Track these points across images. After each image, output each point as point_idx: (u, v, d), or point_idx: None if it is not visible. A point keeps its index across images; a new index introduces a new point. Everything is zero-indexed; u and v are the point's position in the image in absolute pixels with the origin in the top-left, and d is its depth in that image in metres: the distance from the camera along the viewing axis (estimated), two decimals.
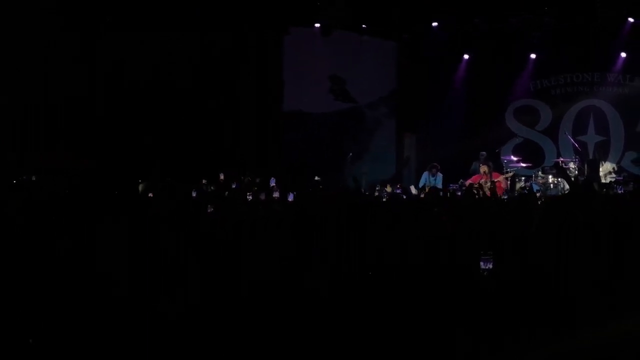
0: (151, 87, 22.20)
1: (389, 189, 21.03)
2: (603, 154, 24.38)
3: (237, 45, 23.44)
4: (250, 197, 15.48)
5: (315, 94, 25.47)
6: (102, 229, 8.66)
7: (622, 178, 22.28)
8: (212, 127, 23.27)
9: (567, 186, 17.00)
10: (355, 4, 22.95)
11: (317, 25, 24.30)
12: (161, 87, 22.31)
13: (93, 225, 8.86)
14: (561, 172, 20.95)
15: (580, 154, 23.55)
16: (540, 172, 22.84)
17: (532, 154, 24.72)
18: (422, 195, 19.29)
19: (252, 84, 23.95)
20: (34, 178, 18.13)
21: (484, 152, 23.40)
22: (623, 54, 24.40)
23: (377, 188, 20.62)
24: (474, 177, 22.33)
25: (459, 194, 18.13)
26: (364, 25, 24.51)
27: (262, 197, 15.82)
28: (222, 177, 20.01)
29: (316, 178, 21.68)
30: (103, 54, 21.73)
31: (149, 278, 7.87)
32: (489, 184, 21.16)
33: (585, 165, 23.07)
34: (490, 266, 7.63)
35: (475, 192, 14.07)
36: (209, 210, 11.18)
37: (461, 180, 22.43)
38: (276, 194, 16.02)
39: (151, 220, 9.24)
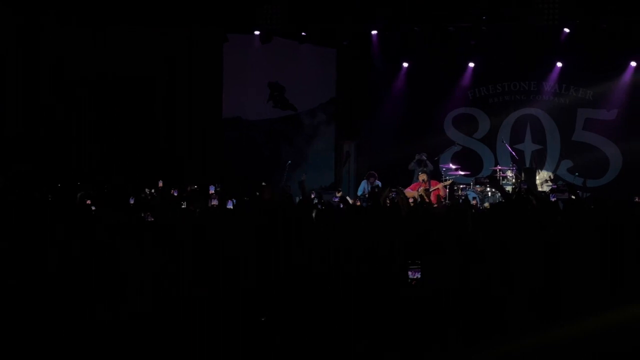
0: (89, 87, 21.97)
1: (338, 194, 21.08)
2: (539, 163, 24.65)
3: (175, 51, 23.29)
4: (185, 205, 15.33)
5: (255, 100, 25.43)
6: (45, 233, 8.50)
7: (557, 186, 22.50)
8: (150, 134, 23.08)
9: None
10: (294, 11, 22.88)
11: (257, 32, 24.23)
12: (98, 88, 22.08)
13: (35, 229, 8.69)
14: (494, 183, 21.10)
15: (517, 163, 23.72)
16: (474, 183, 22.93)
17: (471, 162, 24.85)
18: (358, 203, 19.34)
19: (191, 90, 23.79)
20: None
21: (424, 153, 23.52)
22: (559, 64, 24.66)
23: (312, 195, 20.58)
24: (412, 185, 22.39)
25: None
26: (303, 33, 24.48)
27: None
28: (160, 184, 19.84)
29: (303, 177, 21.78)
30: (43, 50, 21.42)
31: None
32: (423, 192, 21.21)
33: (522, 174, 23.25)
34: (419, 275, 7.61)
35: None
36: (148, 219, 11.02)
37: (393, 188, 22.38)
38: (214, 202, 15.91)
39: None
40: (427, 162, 23.47)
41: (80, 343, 7.06)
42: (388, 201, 15.79)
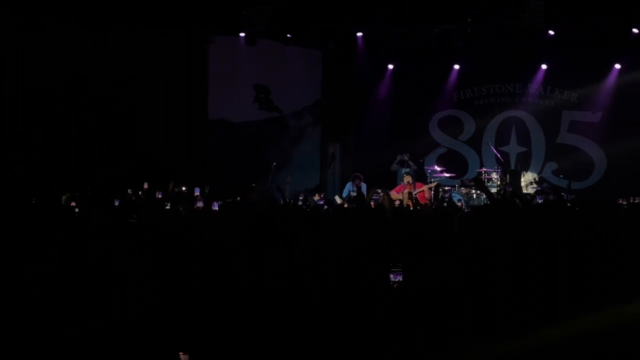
0: (70, 90, 21.92)
1: (317, 197, 21.05)
2: (524, 165, 24.72)
3: (161, 53, 23.24)
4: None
5: (240, 102, 25.41)
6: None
7: (542, 188, 22.57)
8: (135, 136, 23.03)
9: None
10: (280, 13, 22.87)
11: (242, 34, 24.22)
12: (80, 91, 22.03)
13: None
14: (480, 185, 21.13)
15: (503, 165, 23.77)
16: (459, 185, 22.96)
17: (456, 164, 24.90)
18: (345, 205, 19.34)
19: (177, 91, 23.75)
20: None
21: (407, 153, 23.57)
22: (544, 66, 24.76)
23: (300, 197, 20.58)
24: (398, 187, 22.41)
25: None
26: (288, 35, 24.48)
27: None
28: (146, 185, 19.82)
29: (288, 179, 21.76)
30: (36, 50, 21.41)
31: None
32: (408, 195, 21.24)
33: (507, 176, 23.30)
34: (400, 279, 7.61)
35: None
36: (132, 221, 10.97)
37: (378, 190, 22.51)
38: (200, 204, 15.88)
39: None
40: (410, 162, 23.54)
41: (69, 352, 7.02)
42: (372, 203, 15.81)
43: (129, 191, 18.83)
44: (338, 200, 21.15)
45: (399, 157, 23.62)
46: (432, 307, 7.43)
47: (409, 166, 23.36)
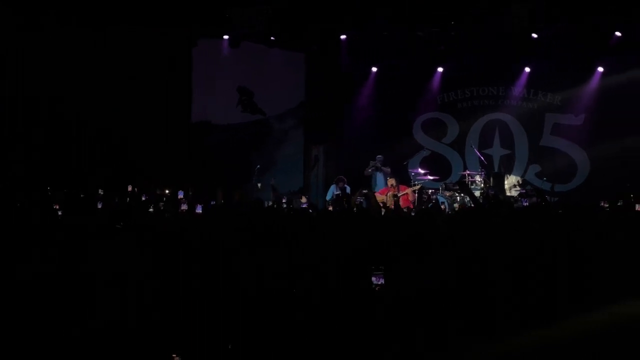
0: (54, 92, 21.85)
1: (303, 199, 21.05)
2: (508, 167, 24.76)
3: (144, 55, 23.17)
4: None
5: (224, 105, 25.41)
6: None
7: (526, 191, 22.62)
8: (118, 138, 22.97)
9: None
10: (263, 15, 22.83)
11: (226, 37, 24.19)
12: (62, 92, 21.96)
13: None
14: (464, 188, 21.16)
15: (486, 167, 23.80)
16: (445, 192, 22.95)
17: (440, 166, 24.89)
18: (330, 208, 19.34)
19: (160, 94, 23.68)
20: None
21: (380, 156, 23.58)
22: (527, 69, 24.80)
23: (283, 200, 20.55)
24: (381, 189, 22.43)
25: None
26: (272, 37, 24.45)
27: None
28: (129, 188, 19.76)
29: (272, 182, 21.70)
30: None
31: None
32: (392, 197, 21.26)
33: (491, 179, 23.33)
34: (382, 282, 7.61)
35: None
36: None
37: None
38: (184, 207, 15.86)
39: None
40: (382, 167, 23.52)
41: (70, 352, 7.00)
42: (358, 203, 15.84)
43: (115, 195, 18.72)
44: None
45: (372, 163, 23.59)
46: (416, 308, 7.44)
47: (382, 171, 23.41)
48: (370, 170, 23.56)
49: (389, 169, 23.50)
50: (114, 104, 22.74)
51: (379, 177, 23.46)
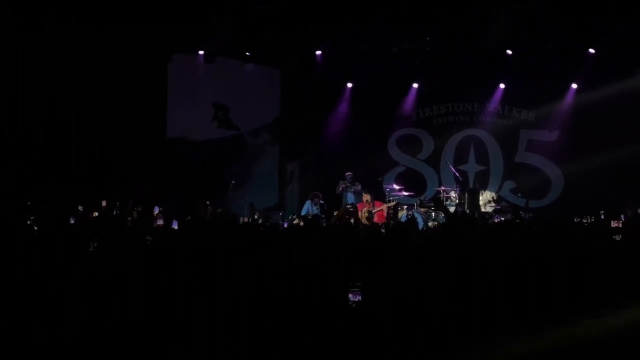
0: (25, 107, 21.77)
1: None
2: (483, 184, 24.80)
3: (119, 70, 23.08)
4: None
5: (199, 120, 25.29)
6: None
7: (501, 207, 22.67)
8: (94, 154, 22.85)
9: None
10: (238, 31, 22.82)
11: (201, 52, 24.15)
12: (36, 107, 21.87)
13: None
14: (439, 205, 21.19)
15: (461, 183, 23.84)
16: (421, 207, 22.96)
17: (415, 182, 24.92)
18: (302, 224, 19.31)
19: (135, 109, 23.57)
20: None
21: (350, 173, 23.56)
22: (502, 85, 24.91)
23: (256, 215, 20.50)
24: (357, 205, 22.39)
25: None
26: (247, 53, 24.43)
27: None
28: (104, 203, 19.64)
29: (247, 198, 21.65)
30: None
31: None
32: (367, 213, 21.27)
33: (466, 195, 23.36)
34: (359, 298, 7.62)
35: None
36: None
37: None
38: (160, 222, 15.81)
39: None
40: (352, 186, 23.49)
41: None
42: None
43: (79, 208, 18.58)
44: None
45: (342, 182, 23.57)
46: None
47: (352, 189, 23.41)
48: (340, 189, 23.50)
49: (359, 187, 23.47)
50: (88, 120, 22.62)
51: (350, 195, 23.44)
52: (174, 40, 23.34)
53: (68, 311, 7.27)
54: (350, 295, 7.60)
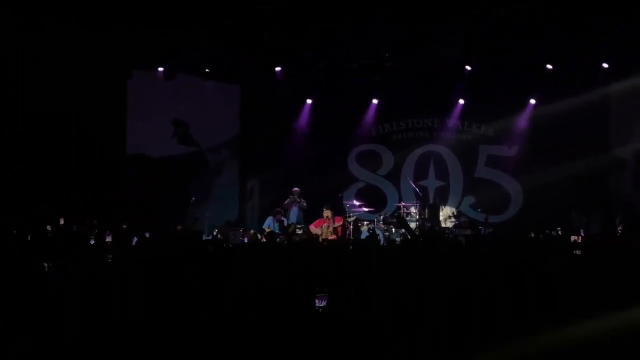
0: None
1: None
2: (443, 199, 24.89)
3: (78, 87, 22.96)
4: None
5: (159, 137, 25.18)
6: None
7: (460, 223, 22.75)
8: (53, 171, 22.70)
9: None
10: (198, 48, 22.79)
11: (161, 69, 24.08)
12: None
13: None
14: (401, 222, 21.25)
15: (421, 199, 23.91)
16: (381, 222, 22.99)
17: (375, 198, 24.96)
18: (263, 240, 19.29)
19: (95, 126, 23.47)
20: None
21: (297, 189, 23.59)
22: (461, 101, 25.03)
23: (215, 231, 20.45)
24: (316, 221, 22.40)
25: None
26: (207, 69, 24.39)
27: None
28: (62, 221, 19.51)
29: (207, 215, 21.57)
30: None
31: None
32: (330, 228, 21.32)
33: (426, 210, 23.43)
34: (324, 303, 7.67)
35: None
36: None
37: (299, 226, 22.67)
38: (108, 238, 15.81)
39: None
40: (298, 202, 23.55)
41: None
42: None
43: (48, 227, 18.46)
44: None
45: (291, 197, 23.61)
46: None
47: (298, 204, 23.48)
48: (285, 203, 23.53)
49: (304, 203, 23.56)
50: (47, 137, 22.49)
51: (294, 210, 23.50)
52: (134, 57, 23.23)
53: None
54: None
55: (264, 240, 18.56)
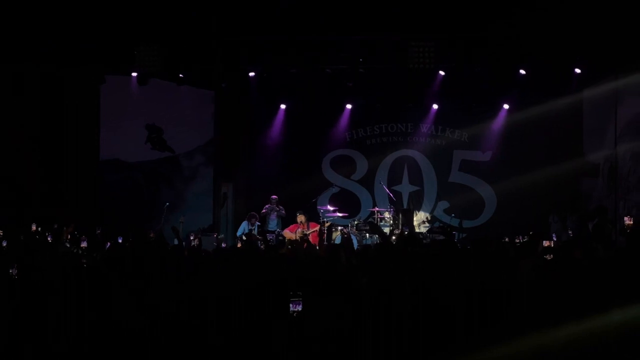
0: None
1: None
2: (417, 204, 24.92)
3: (51, 91, 22.88)
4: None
5: (132, 142, 25.11)
6: None
7: (434, 228, 22.78)
8: (25, 176, 22.59)
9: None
10: (172, 52, 22.71)
11: (134, 74, 23.96)
12: None
13: None
14: (374, 228, 21.26)
15: (395, 204, 23.93)
16: (354, 227, 22.95)
17: (349, 203, 24.97)
18: (239, 245, 19.25)
19: (68, 131, 23.38)
20: None
21: (275, 197, 23.59)
22: (435, 106, 25.07)
23: (191, 237, 20.35)
24: (291, 226, 22.39)
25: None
26: (181, 75, 24.30)
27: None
28: (34, 227, 19.38)
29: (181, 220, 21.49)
30: None
31: None
32: (301, 234, 21.29)
33: (400, 215, 23.42)
34: (300, 308, 7.68)
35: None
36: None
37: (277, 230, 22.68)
38: (83, 244, 15.75)
39: None
40: (276, 209, 23.54)
41: None
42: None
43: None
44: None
45: (269, 205, 23.60)
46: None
47: (276, 211, 23.48)
48: (264, 211, 23.51)
49: (283, 210, 23.57)
50: (19, 142, 22.39)
51: (272, 218, 23.51)
52: (106, 62, 23.12)
53: None
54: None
55: (240, 245, 18.55)
